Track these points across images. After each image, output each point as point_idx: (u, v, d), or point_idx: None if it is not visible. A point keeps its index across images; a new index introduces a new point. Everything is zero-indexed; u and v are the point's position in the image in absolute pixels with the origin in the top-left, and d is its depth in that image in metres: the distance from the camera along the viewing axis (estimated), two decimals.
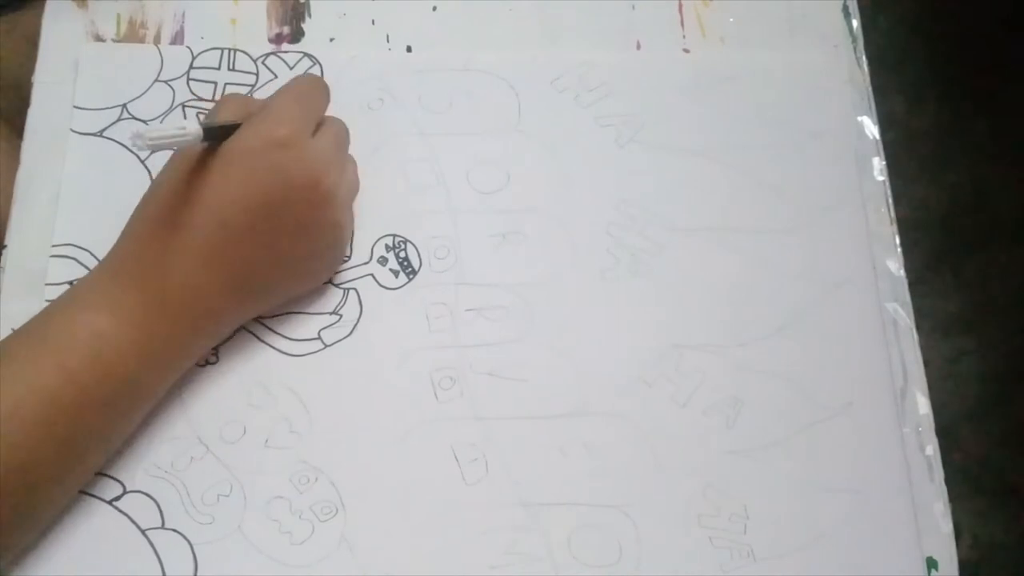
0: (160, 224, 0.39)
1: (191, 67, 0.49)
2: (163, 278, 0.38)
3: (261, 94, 0.49)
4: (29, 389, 0.36)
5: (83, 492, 0.41)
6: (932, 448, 0.45)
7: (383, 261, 0.46)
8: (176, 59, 0.49)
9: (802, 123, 0.50)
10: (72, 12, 0.50)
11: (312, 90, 0.43)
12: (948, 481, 0.44)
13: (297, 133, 0.40)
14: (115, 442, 0.40)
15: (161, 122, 0.47)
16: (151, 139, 0.35)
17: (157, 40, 0.50)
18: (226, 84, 0.49)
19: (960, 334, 1.24)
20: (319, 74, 0.49)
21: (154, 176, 0.42)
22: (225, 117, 0.41)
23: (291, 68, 0.49)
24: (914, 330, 0.47)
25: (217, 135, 0.39)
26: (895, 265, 0.48)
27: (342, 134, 0.44)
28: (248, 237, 0.39)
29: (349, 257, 0.46)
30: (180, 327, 0.39)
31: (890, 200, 0.50)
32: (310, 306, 0.45)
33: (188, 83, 0.49)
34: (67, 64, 0.49)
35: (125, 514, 0.41)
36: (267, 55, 0.50)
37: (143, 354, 0.38)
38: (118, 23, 0.50)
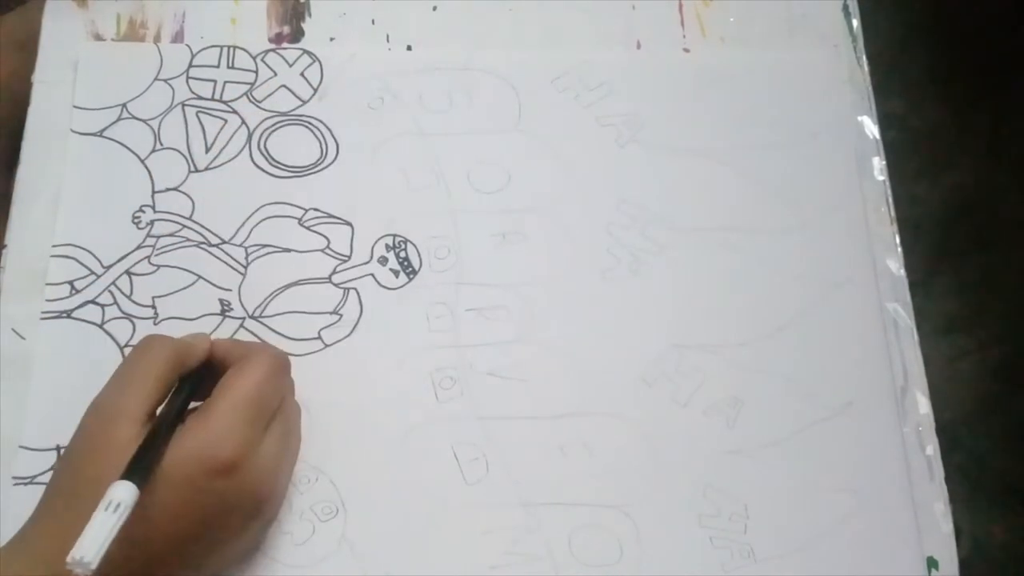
0: (75, 532, 0.31)
1: (190, 65, 0.49)
2: None
3: (260, 92, 0.49)
4: None
5: None
6: (932, 448, 0.45)
7: (383, 261, 0.46)
8: (175, 57, 0.49)
9: (802, 123, 0.50)
10: (72, 12, 0.50)
11: (268, 387, 0.37)
12: (948, 481, 0.44)
13: (243, 454, 0.35)
14: None
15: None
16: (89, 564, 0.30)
17: (157, 40, 0.50)
18: (226, 82, 0.49)
19: (960, 334, 1.24)
20: (319, 72, 0.49)
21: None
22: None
23: (290, 65, 0.49)
24: (914, 330, 0.47)
25: (146, 472, 0.33)
26: (895, 265, 0.48)
27: (292, 418, 0.40)
28: (171, 558, 0.35)
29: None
30: None
31: (890, 200, 0.50)
32: (310, 306, 0.45)
33: (188, 81, 0.49)
34: (67, 64, 0.49)
35: None
36: (266, 52, 0.50)
37: None
38: (118, 23, 0.50)
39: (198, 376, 0.38)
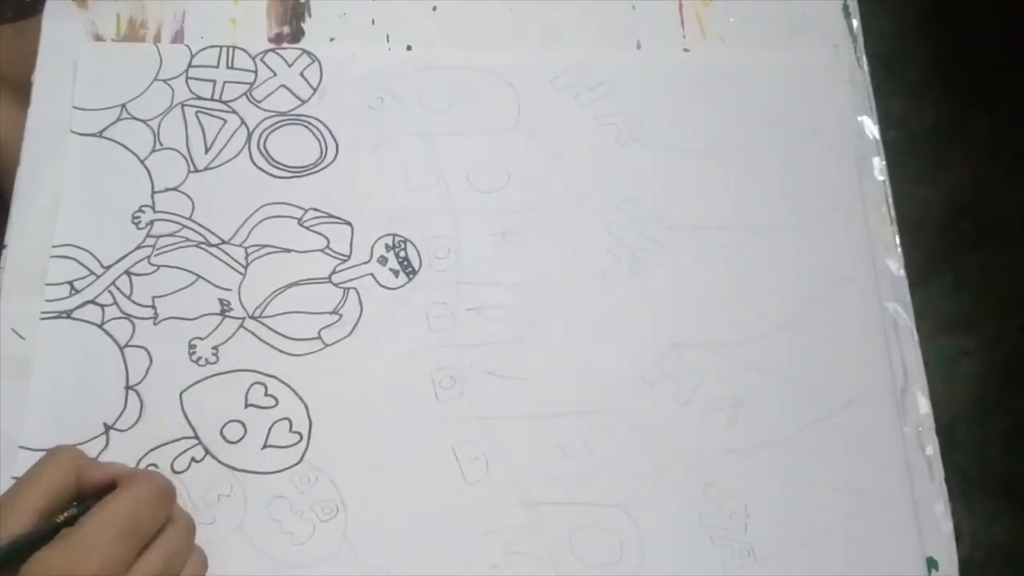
0: None
1: (190, 65, 0.49)
2: None
3: (260, 92, 0.49)
4: None
5: None
6: (932, 448, 0.45)
7: (383, 261, 0.46)
8: (175, 58, 0.49)
9: (802, 123, 0.50)
10: (72, 12, 0.50)
11: (146, 504, 0.36)
12: (948, 481, 0.44)
13: (105, 571, 0.33)
14: None
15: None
16: None
17: (157, 40, 0.50)
18: (225, 82, 0.49)
19: (960, 334, 1.24)
20: (318, 72, 0.49)
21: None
22: (43, 502, 0.35)
23: (290, 65, 0.49)
24: (914, 330, 0.47)
25: (17, 557, 0.33)
26: (895, 265, 0.48)
27: (177, 547, 0.37)
28: None
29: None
30: None
31: (890, 200, 0.50)
32: (310, 306, 0.45)
33: (187, 82, 0.49)
34: (67, 64, 0.49)
35: None
36: (266, 52, 0.50)
37: None
38: (118, 23, 0.50)
39: (94, 498, 0.36)
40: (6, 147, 0.49)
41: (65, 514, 0.35)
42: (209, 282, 0.45)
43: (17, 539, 0.33)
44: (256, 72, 0.49)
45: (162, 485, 0.37)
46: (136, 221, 0.46)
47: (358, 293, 0.45)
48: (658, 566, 0.42)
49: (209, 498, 0.41)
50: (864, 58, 0.52)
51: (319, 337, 0.45)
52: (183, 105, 0.48)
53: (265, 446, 0.43)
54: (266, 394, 0.43)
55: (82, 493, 0.36)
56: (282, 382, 0.44)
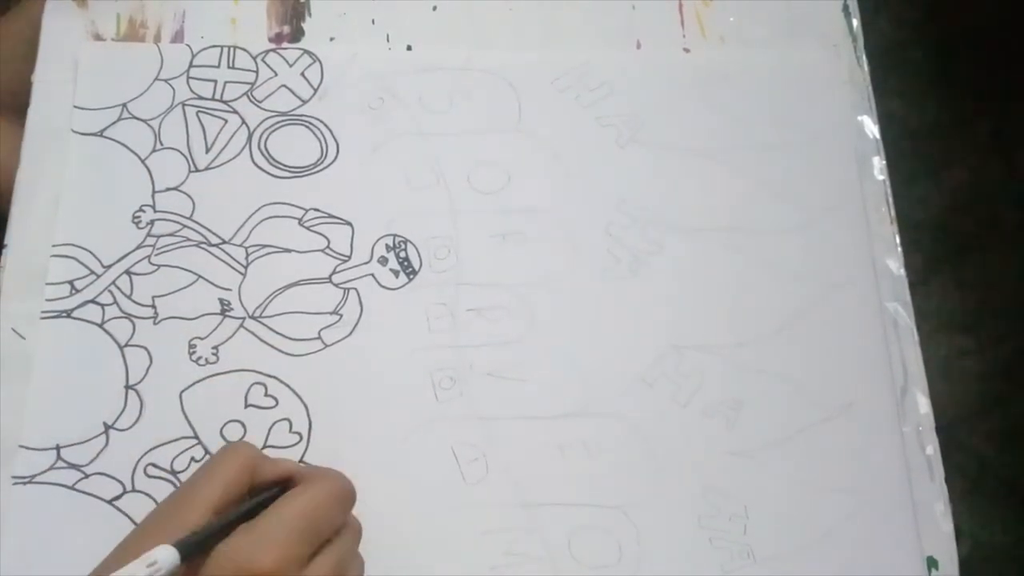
0: None
1: (191, 65, 0.49)
2: None
3: (260, 92, 0.49)
4: None
5: (83, 492, 0.41)
6: (932, 448, 0.45)
7: (383, 261, 0.46)
8: (176, 57, 0.49)
9: (802, 123, 0.50)
10: (72, 12, 0.50)
11: (329, 507, 0.36)
12: (948, 481, 0.44)
13: (285, 568, 0.34)
14: None
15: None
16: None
17: (157, 39, 0.50)
18: (226, 82, 0.49)
19: (960, 334, 1.24)
20: (319, 72, 0.49)
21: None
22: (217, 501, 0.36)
23: (291, 65, 0.49)
24: (914, 330, 0.47)
25: (199, 548, 0.34)
26: (895, 265, 0.48)
27: (350, 552, 0.38)
28: None
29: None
30: None
31: (890, 200, 0.50)
32: (310, 306, 0.45)
33: (188, 81, 0.49)
34: (67, 64, 0.49)
35: (125, 514, 0.41)
36: (267, 52, 0.50)
37: None
38: (118, 23, 0.50)
39: (269, 493, 0.37)
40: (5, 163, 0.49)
41: (242, 508, 0.36)
42: (209, 282, 0.45)
43: (201, 530, 0.34)
44: (257, 72, 0.49)
45: (345, 489, 0.37)
46: (136, 221, 0.46)
47: (358, 293, 0.46)
48: (657, 567, 0.42)
49: None
50: (864, 58, 0.52)
51: (319, 337, 0.45)
52: (184, 105, 0.48)
53: (265, 446, 0.43)
54: (266, 394, 0.43)
55: (255, 489, 0.37)
56: (282, 382, 0.44)
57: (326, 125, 0.49)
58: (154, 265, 0.45)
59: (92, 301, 0.44)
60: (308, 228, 0.47)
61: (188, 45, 0.49)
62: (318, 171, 0.48)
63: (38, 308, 0.44)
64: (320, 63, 0.50)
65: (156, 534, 0.34)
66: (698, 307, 0.46)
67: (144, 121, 0.48)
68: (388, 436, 0.43)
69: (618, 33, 0.52)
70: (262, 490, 0.37)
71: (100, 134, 0.48)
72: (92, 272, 0.45)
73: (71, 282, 0.45)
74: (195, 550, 0.33)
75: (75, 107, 0.48)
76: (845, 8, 0.53)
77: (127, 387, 0.43)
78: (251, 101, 0.49)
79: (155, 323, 0.44)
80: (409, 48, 0.51)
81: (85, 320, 0.44)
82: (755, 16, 0.53)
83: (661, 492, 0.43)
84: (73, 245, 0.45)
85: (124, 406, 0.43)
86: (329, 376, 0.44)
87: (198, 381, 0.43)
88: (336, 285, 0.46)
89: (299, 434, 0.43)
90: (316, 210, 0.47)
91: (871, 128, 0.51)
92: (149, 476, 0.42)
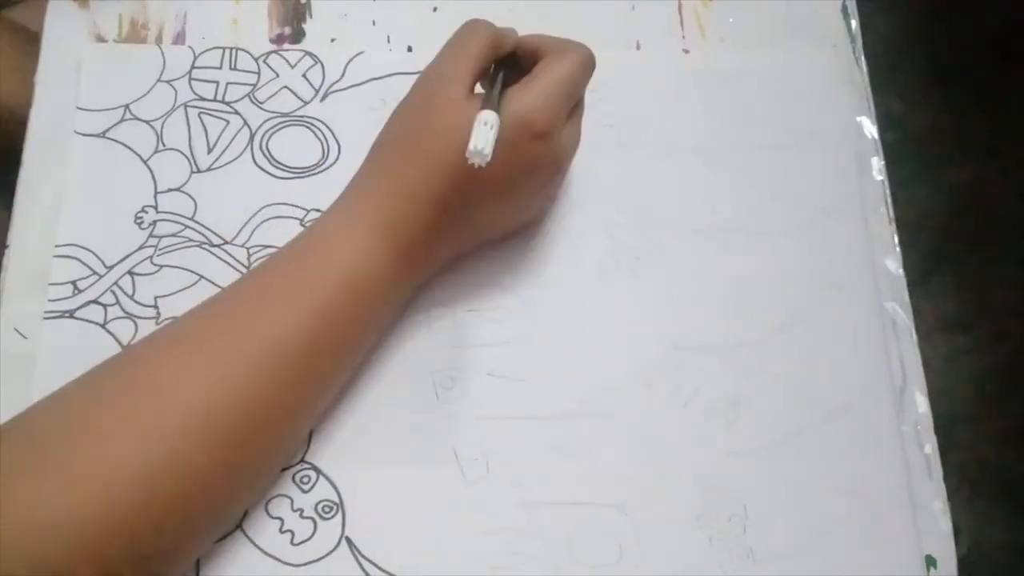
0: (438, 202, 0.40)
1: (193, 67, 0.49)
2: (409, 232, 0.40)
3: (262, 93, 0.49)
4: (290, 331, 0.38)
5: None
6: (931, 447, 0.45)
7: None
8: (178, 59, 0.49)
9: (801, 123, 0.50)
10: (74, 13, 0.50)
11: (583, 76, 0.42)
12: (947, 480, 0.45)
13: (555, 126, 0.41)
14: (346, 380, 0.43)
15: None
16: (488, 154, 0.37)
17: (159, 41, 0.50)
18: (228, 83, 0.49)
19: (960, 334, 1.24)
20: (321, 70, 0.49)
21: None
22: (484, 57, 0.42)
23: (292, 67, 0.50)
24: (913, 330, 0.47)
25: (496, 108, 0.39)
26: (894, 265, 0.48)
27: (580, 116, 0.44)
28: (488, 203, 0.41)
29: None
30: (415, 273, 0.42)
31: (889, 200, 0.50)
32: None
33: (190, 83, 0.49)
34: (69, 65, 0.49)
35: None
36: (268, 54, 0.50)
37: (385, 299, 0.41)
38: (120, 24, 0.50)
39: (509, 63, 0.43)
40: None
41: (498, 81, 0.41)
42: (211, 282, 0.45)
43: (490, 96, 0.40)
44: (259, 73, 0.49)
45: (591, 56, 0.43)
46: (139, 221, 0.46)
47: None
48: (657, 567, 0.42)
49: None
50: (863, 58, 0.53)
51: None
52: (186, 106, 0.49)
53: None
54: None
55: (499, 60, 0.43)
56: None
57: (328, 126, 0.49)
58: (156, 266, 0.46)
59: (94, 301, 0.45)
60: None
61: (190, 47, 0.50)
62: (320, 172, 0.48)
63: (40, 308, 0.44)
64: (322, 64, 0.50)
65: (433, 116, 0.40)
66: (698, 307, 0.46)
67: (146, 122, 0.48)
68: (388, 435, 0.43)
69: (617, 34, 0.52)
70: (504, 60, 0.43)
71: (102, 135, 0.48)
72: (94, 272, 0.45)
73: (73, 282, 0.45)
74: (497, 109, 0.39)
75: (77, 108, 0.48)
76: (844, 9, 0.53)
77: None
78: (253, 102, 0.49)
79: (157, 323, 0.44)
80: (410, 49, 0.51)
81: (87, 320, 0.44)
82: (755, 17, 0.53)
83: (661, 492, 0.43)
84: (75, 245, 0.46)
85: None
86: None
87: None
88: None
89: None
90: (318, 211, 0.47)
91: (870, 128, 0.51)
92: None
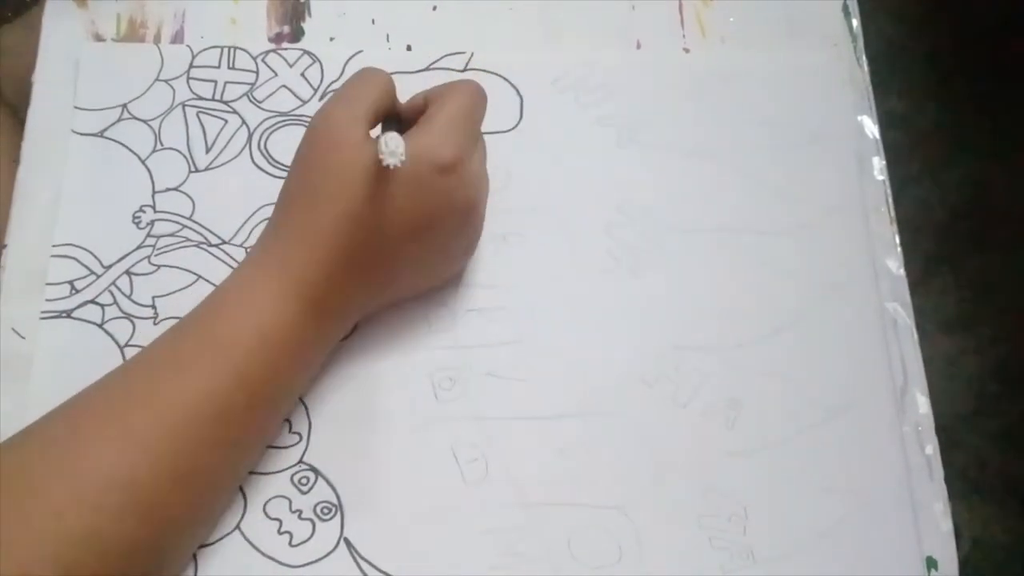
0: (336, 246, 0.38)
1: (191, 66, 0.49)
2: (328, 293, 0.39)
3: (261, 93, 0.49)
4: (206, 396, 0.37)
5: None
6: (932, 447, 0.45)
7: None
8: (176, 58, 0.49)
9: (802, 123, 0.50)
10: (72, 12, 0.50)
11: (476, 106, 0.42)
12: (948, 481, 0.44)
13: (460, 158, 0.39)
14: (270, 439, 0.42)
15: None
16: (402, 155, 0.35)
17: (157, 40, 0.50)
18: (226, 83, 0.49)
19: (960, 334, 1.24)
20: (320, 70, 0.49)
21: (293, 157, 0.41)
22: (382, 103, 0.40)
23: (291, 66, 0.49)
24: (914, 330, 0.47)
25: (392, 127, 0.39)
26: (895, 265, 0.48)
27: (484, 148, 0.44)
28: (398, 251, 0.40)
29: None
30: (326, 328, 0.41)
31: (890, 200, 0.50)
32: None
33: (188, 82, 0.49)
34: (67, 64, 0.49)
35: None
36: (267, 53, 0.50)
37: (298, 355, 0.40)
38: (118, 23, 0.50)
39: (398, 120, 0.42)
40: None
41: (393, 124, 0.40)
42: (210, 282, 0.45)
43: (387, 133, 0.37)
44: (257, 73, 0.49)
45: (481, 89, 0.42)
46: (136, 221, 0.46)
47: None
48: (657, 568, 0.42)
49: None
50: (864, 58, 0.53)
51: None
52: (184, 105, 0.48)
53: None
54: None
55: (390, 114, 0.41)
56: None
57: None
58: (154, 265, 0.45)
59: (92, 301, 0.45)
60: None
61: (188, 46, 0.50)
62: None
63: (38, 308, 0.44)
64: (320, 64, 0.50)
65: (332, 159, 0.38)
66: (698, 307, 0.46)
67: (144, 121, 0.48)
68: (388, 436, 0.43)
69: (618, 33, 0.52)
70: (392, 118, 0.41)
71: (100, 134, 0.48)
72: (92, 272, 0.45)
73: (71, 282, 0.45)
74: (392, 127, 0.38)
75: (75, 107, 0.48)
76: (845, 8, 0.53)
77: None
78: (251, 101, 0.49)
79: (155, 323, 0.44)
80: (409, 48, 0.51)
81: (85, 320, 0.44)
82: (755, 16, 0.53)
83: (661, 492, 0.43)
84: (73, 245, 0.45)
85: None
86: (329, 376, 0.44)
87: None
88: None
89: (299, 434, 0.43)
90: None
91: (871, 128, 0.51)
92: None
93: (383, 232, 0.39)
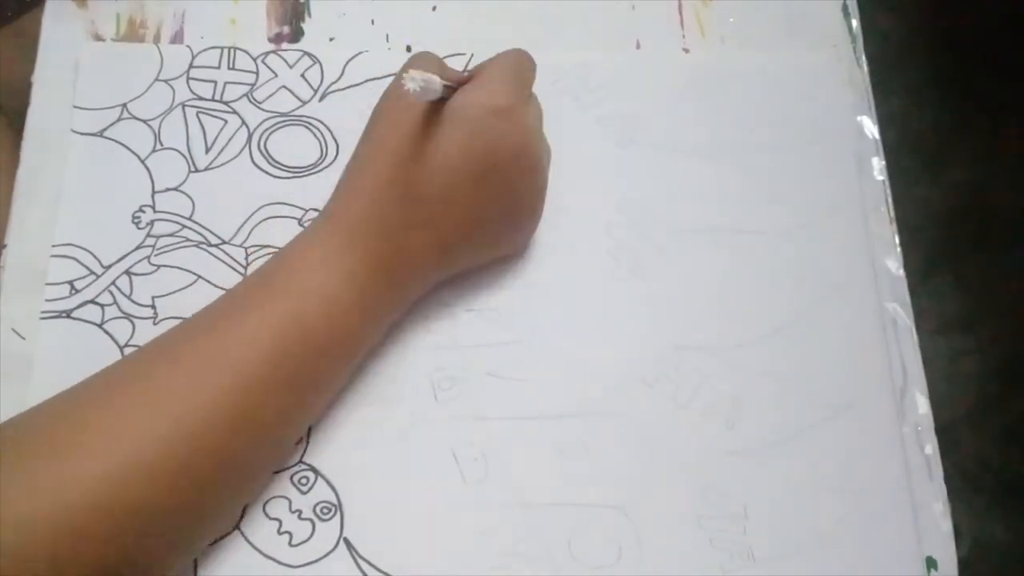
0: (386, 185, 0.39)
1: (191, 66, 0.49)
2: (385, 240, 0.39)
3: (260, 93, 0.49)
4: (262, 327, 0.37)
5: None
6: (932, 447, 0.45)
7: None
8: (176, 58, 0.49)
9: (802, 123, 0.50)
10: (72, 12, 0.50)
11: (525, 64, 0.43)
12: (948, 481, 0.44)
13: (514, 103, 0.40)
14: (325, 398, 0.42)
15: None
16: (423, 80, 0.35)
17: (157, 40, 0.50)
18: (226, 83, 0.49)
19: (960, 334, 1.24)
20: (319, 70, 0.49)
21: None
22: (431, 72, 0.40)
23: (291, 67, 0.49)
24: (914, 330, 0.47)
25: (446, 95, 0.39)
26: (895, 265, 0.48)
27: (541, 110, 0.45)
28: (463, 201, 0.40)
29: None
30: (394, 289, 0.41)
31: (890, 200, 0.50)
32: None
33: (188, 82, 0.49)
34: (67, 64, 0.49)
35: None
36: (267, 53, 0.50)
37: (364, 314, 0.40)
38: (118, 23, 0.50)
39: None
40: None
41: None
42: (209, 282, 0.45)
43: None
44: (257, 73, 0.49)
45: (528, 55, 0.43)
46: (136, 221, 0.46)
47: None
48: (656, 567, 0.42)
49: None
50: (864, 58, 0.53)
51: None
52: (184, 105, 0.48)
53: None
54: None
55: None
56: None
57: (326, 126, 0.49)
58: (154, 265, 0.45)
59: (92, 301, 0.45)
60: None
61: (188, 46, 0.50)
62: (318, 171, 0.48)
63: (37, 308, 0.44)
64: (320, 64, 0.50)
65: (388, 128, 0.40)
66: (698, 307, 0.46)
67: (144, 121, 0.48)
68: (387, 436, 0.43)
69: (618, 33, 0.52)
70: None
71: (100, 134, 0.48)
72: (92, 272, 0.45)
73: (71, 282, 0.45)
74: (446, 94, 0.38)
75: (75, 107, 0.48)
76: (845, 8, 0.53)
77: None
78: (251, 102, 0.49)
79: (155, 323, 0.44)
80: (409, 48, 0.51)
81: (85, 320, 0.44)
82: (755, 16, 0.53)
83: (661, 492, 0.43)
84: (73, 245, 0.45)
85: None
86: None
87: None
88: None
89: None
90: (316, 210, 0.47)
91: (871, 128, 0.51)
92: None
93: (437, 173, 0.39)
